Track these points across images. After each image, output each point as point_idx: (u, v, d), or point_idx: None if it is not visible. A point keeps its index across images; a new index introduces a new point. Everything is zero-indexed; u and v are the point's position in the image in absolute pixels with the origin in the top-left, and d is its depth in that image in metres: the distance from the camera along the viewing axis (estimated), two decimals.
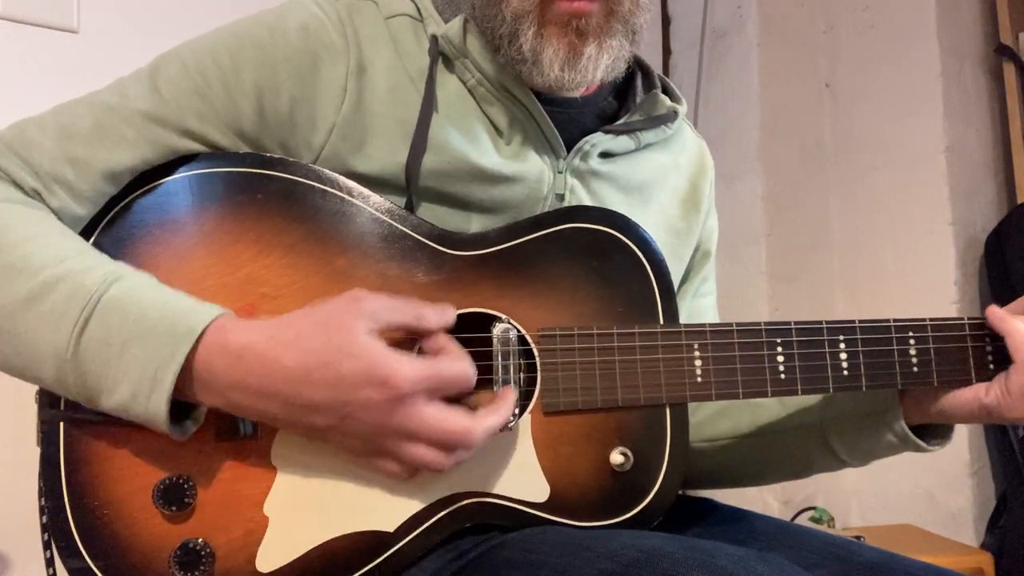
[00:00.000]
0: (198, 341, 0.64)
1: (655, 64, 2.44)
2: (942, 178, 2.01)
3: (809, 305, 2.16)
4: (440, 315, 0.69)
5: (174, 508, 0.69)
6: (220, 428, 0.71)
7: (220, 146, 0.77)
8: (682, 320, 0.94)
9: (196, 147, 0.76)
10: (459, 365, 0.66)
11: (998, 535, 1.83)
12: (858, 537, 1.48)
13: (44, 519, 0.70)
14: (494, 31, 0.77)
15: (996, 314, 0.77)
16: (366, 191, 0.76)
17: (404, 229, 0.75)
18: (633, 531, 0.68)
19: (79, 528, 0.69)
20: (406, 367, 0.63)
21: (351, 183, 0.76)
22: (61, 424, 0.70)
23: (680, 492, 0.93)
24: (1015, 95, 2.06)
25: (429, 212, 0.78)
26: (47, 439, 0.70)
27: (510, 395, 0.70)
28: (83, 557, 0.68)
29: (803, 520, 1.95)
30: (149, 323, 0.64)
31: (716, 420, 0.92)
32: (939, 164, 2.02)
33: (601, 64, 0.77)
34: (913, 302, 2.08)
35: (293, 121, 0.76)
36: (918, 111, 2.07)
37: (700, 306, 0.98)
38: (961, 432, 1.93)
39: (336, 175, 0.76)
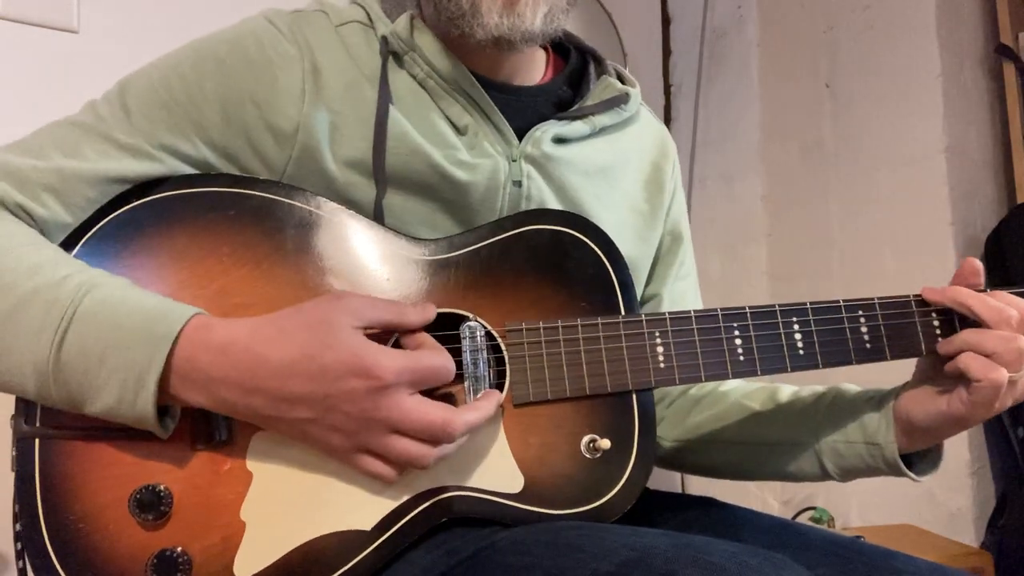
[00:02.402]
0: (177, 340, 0.65)
1: (655, 64, 2.44)
2: (942, 178, 2.01)
3: None
4: (421, 312, 0.71)
5: (150, 517, 0.68)
6: (195, 434, 0.71)
7: (194, 159, 0.78)
8: (666, 304, 0.98)
9: (173, 163, 0.78)
10: (439, 358, 0.68)
11: (998, 535, 1.83)
12: (858, 537, 1.48)
13: (18, 544, 0.69)
14: None
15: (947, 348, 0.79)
16: (334, 205, 0.78)
17: (371, 237, 0.77)
18: (625, 528, 0.68)
19: (54, 545, 0.68)
20: (388, 358, 0.65)
21: (320, 198, 0.78)
22: (36, 441, 0.70)
23: (680, 491, 0.92)
24: (1015, 95, 2.06)
25: (398, 204, 0.80)
26: (22, 458, 0.70)
27: (493, 396, 0.72)
28: (58, 573, 0.68)
29: (803, 520, 1.94)
30: (126, 330, 0.65)
31: (717, 424, 0.95)
32: (939, 164, 2.02)
33: (539, 11, 0.79)
34: None
35: (260, 124, 0.78)
36: (918, 111, 2.07)
37: (681, 289, 1.01)
38: (961, 432, 1.92)
39: (305, 191, 0.78)
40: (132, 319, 0.66)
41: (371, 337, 0.68)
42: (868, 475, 0.85)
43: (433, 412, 0.66)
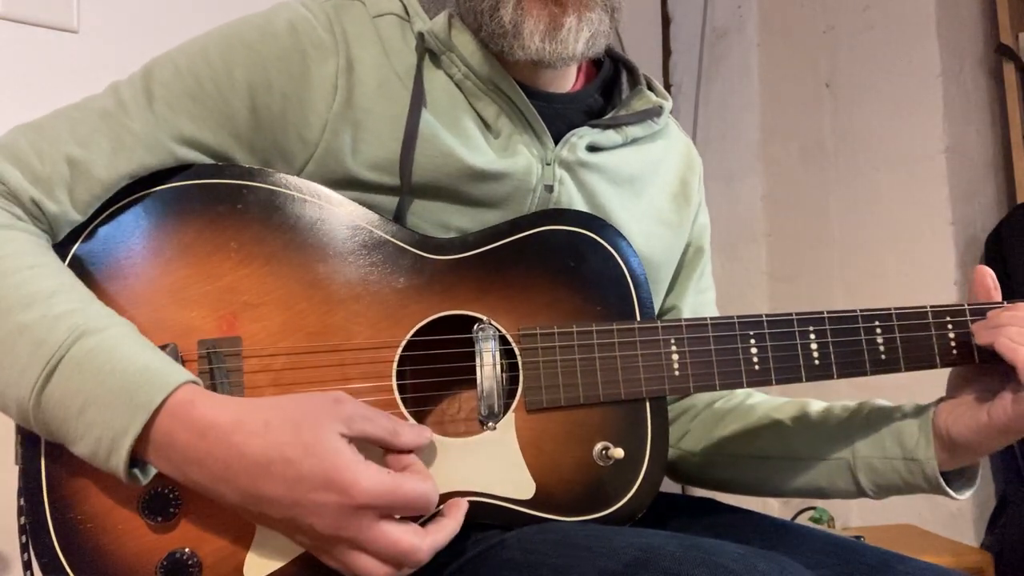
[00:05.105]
0: (157, 412, 0.63)
1: (655, 64, 2.44)
2: (942, 178, 2.01)
3: (809, 305, 2.16)
4: (416, 435, 0.67)
5: (159, 518, 0.68)
6: None
7: (215, 150, 0.77)
8: (687, 316, 0.96)
9: (192, 155, 0.76)
10: (421, 486, 0.63)
11: (998, 535, 1.83)
12: (858, 537, 1.48)
13: (23, 537, 0.69)
14: (475, 7, 0.78)
15: (1002, 345, 0.74)
16: (346, 200, 0.76)
17: (384, 235, 0.76)
18: (632, 529, 0.68)
19: (61, 543, 0.68)
20: (367, 478, 0.61)
21: (331, 192, 0.76)
22: (43, 439, 0.68)
23: (680, 491, 0.93)
24: (1015, 95, 2.06)
25: (421, 207, 0.79)
26: (27, 455, 0.69)
27: (461, 507, 0.69)
28: (66, 572, 0.67)
29: (803, 520, 1.94)
30: (108, 388, 0.63)
31: (746, 438, 0.93)
32: (939, 164, 2.02)
33: (582, 37, 0.78)
34: (913, 302, 2.06)
35: (286, 119, 0.77)
36: (918, 111, 2.07)
37: (702, 302, 1.00)
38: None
39: (316, 185, 0.76)
40: (117, 378, 0.63)
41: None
42: (905, 492, 0.83)
43: (402, 539, 0.62)
